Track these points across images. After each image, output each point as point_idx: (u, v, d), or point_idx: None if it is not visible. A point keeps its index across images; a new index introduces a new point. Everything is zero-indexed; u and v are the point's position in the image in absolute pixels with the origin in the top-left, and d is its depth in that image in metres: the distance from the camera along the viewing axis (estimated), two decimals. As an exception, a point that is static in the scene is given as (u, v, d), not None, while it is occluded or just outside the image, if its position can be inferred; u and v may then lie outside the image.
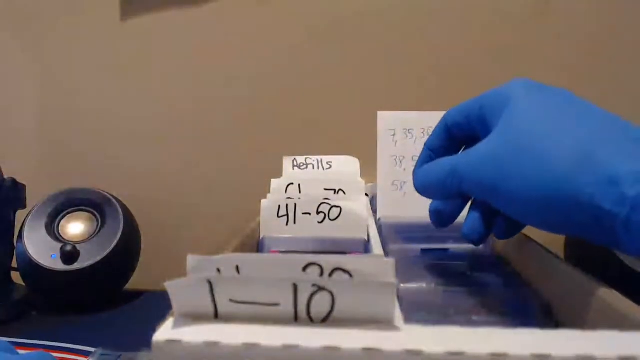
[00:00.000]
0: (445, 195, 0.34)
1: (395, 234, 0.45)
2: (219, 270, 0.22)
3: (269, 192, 0.51)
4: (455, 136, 0.36)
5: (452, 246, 0.42)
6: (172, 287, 0.21)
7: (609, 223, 0.25)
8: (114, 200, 0.68)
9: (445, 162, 0.33)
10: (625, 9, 0.71)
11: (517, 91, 0.31)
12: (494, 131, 0.30)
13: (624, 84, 0.72)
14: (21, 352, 0.39)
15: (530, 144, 0.28)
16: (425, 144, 0.37)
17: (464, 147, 0.36)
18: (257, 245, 0.46)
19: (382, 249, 0.39)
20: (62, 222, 0.67)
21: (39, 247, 0.63)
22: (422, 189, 0.36)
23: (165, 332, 0.20)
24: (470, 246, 0.41)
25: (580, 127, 0.28)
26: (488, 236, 0.35)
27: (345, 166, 0.55)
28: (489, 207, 0.32)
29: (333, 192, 0.49)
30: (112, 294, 0.68)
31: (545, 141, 0.28)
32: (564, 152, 0.27)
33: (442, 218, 0.37)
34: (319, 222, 0.43)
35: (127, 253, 0.68)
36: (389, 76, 0.75)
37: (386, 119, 0.51)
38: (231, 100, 0.81)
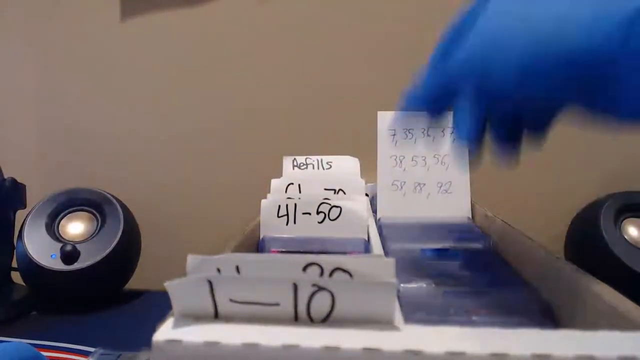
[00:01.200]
0: (441, 97, 0.31)
1: (395, 234, 0.45)
2: (219, 270, 0.22)
3: (269, 192, 0.51)
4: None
5: (452, 246, 0.42)
6: (172, 287, 0.21)
7: (610, 69, 0.23)
8: (114, 200, 0.68)
9: (436, 67, 0.30)
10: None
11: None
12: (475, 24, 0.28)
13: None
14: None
15: (516, 9, 0.27)
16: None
17: None
18: (257, 245, 0.46)
19: (382, 249, 0.39)
20: (62, 222, 0.67)
21: (39, 247, 0.63)
22: (415, 101, 0.32)
23: (165, 332, 0.20)
24: (471, 246, 0.41)
25: None
26: (480, 133, 0.31)
27: (345, 166, 0.55)
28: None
29: (333, 192, 0.49)
30: (112, 294, 0.68)
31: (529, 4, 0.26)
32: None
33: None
34: (319, 222, 0.43)
35: (127, 253, 0.68)
36: (389, 76, 0.75)
37: (386, 119, 0.51)
38: (231, 101, 0.81)
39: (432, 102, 0.31)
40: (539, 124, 0.29)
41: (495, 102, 0.28)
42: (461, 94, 0.29)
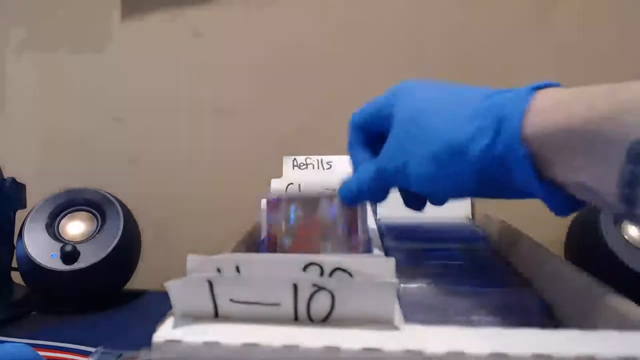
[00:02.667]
0: (378, 191, 0.36)
1: (395, 234, 0.45)
2: (219, 270, 0.22)
3: (268, 192, 0.51)
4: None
5: (452, 246, 0.42)
6: (172, 287, 0.21)
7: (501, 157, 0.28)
8: (114, 200, 0.68)
9: (369, 166, 0.35)
10: (625, 17, 0.72)
11: (404, 88, 0.35)
12: (392, 125, 0.34)
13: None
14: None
15: (415, 130, 0.31)
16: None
17: None
18: (257, 245, 0.46)
19: (382, 249, 0.39)
20: (62, 222, 0.67)
21: (39, 247, 0.63)
22: (356, 196, 0.37)
23: (165, 332, 0.20)
24: (471, 246, 0.41)
25: (455, 104, 0.31)
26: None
27: (346, 166, 0.55)
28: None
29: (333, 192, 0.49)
30: (112, 294, 0.68)
31: (429, 127, 0.31)
32: (445, 126, 0.30)
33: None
34: (319, 222, 0.43)
35: (127, 253, 0.68)
36: (389, 76, 0.75)
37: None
38: (231, 100, 0.81)
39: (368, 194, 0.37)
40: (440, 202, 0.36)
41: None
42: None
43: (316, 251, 0.38)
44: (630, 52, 0.72)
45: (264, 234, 0.46)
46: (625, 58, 0.72)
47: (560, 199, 0.27)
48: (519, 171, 0.27)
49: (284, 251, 0.39)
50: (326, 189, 0.43)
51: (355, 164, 0.38)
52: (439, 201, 0.35)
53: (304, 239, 0.39)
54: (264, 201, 0.48)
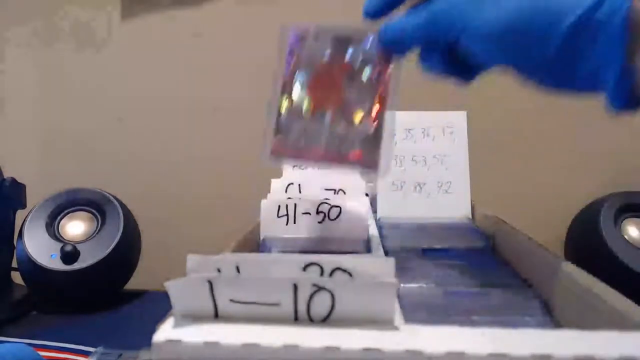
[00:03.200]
0: (421, 41, 0.33)
1: (395, 234, 0.45)
2: (219, 270, 0.22)
3: (269, 192, 0.51)
4: None
5: (452, 246, 0.42)
6: (172, 287, 0.21)
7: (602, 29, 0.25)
8: (114, 200, 0.68)
9: (420, 8, 0.32)
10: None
11: None
12: None
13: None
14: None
15: None
16: None
17: None
18: (257, 245, 0.46)
19: (382, 249, 0.39)
20: (62, 222, 0.67)
21: (39, 247, 0.63)
22: (394, 40, 0.34)
23: (165, 332, 0.20)
24: (471, 246, 0.41)
25: None
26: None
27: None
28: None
29: (333, 192, 0.49)
30: (112, 294, 0.68)
31: None
32: None
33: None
34: (319, 222, 0.43)
35: (127, 253, 0.68)
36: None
37: (386, 119, 0.51)
38: (231, 100, 0.81)
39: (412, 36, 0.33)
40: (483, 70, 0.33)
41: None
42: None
43: (334, 96, 0.35)
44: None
45: (263, 234, 0.46)
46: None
47: (629, 90, 0.26)
48: (610, 44, 0.25)
49: (299, 88, 0.36)
50: (326, 189, 0.42)
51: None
52: (486, 69, 0.31)
53: (325, 79, 0.36)
54: (264, 201, 0.48)
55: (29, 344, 0.43)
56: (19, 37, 0.85)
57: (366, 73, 0.35)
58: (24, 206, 0.68)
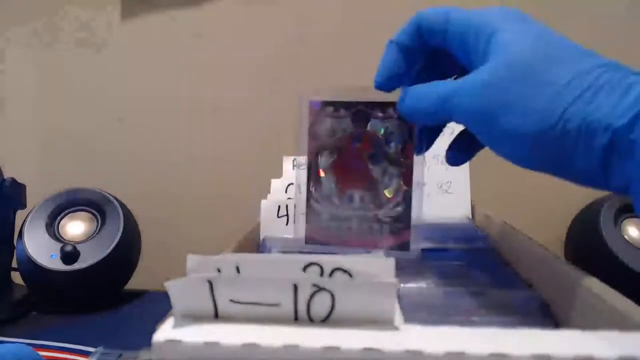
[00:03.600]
0: (434, 122, 0.33)
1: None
2: (219, 270, 0.22)
3: (269, 192, 0.51)
4: (426, 43, 0.34)
5: (452, 246, 0.42)
6: (172, 287, 0.21)
7: (622, 153, 0.25)
8: (114, 200, 0.68)
9: (439, 88, 0.31)
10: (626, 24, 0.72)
11: (503, 19, 0.30)
12: (489, 59, 0.29)
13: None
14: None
15: (531, 73, 0.27)
16: (392, 40, 0.35)
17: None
18: (257, 245, 0.46)
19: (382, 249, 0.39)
20: (62, 222, 0.67)
21: (39, 247, 0.63)
22: (411, 112, 0.33)
23: (165, 332, 0.20)
24: (471, 246, 0.41)
25: (574, 56, 0.27)
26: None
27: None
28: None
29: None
30: (112, 294, 0.68)
31: (545, 71, 0.27)
32: (573, 79, 0.26)
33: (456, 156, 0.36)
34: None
35: (127, 253, 0.68)
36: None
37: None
38: (231, 100, 0.81)
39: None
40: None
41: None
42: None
43: (360, 176, 0.35)
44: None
45: (263, 234, 0.46)
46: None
47: None
48: None
49: (325, 173, 0.36)
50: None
51: (391, 52, 0.34)
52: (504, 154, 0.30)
53: (350, 158, 0.36)
54: (264, 201, 0.48)
55: (29, 344, 0.42)
56: (19, 37, 0.85)
57: (391, 148, 0.35)
58: (24, 206, 0.68)
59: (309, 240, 0.36)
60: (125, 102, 0.83)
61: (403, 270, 0.35)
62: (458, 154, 0.36)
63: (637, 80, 0.25)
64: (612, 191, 0.27)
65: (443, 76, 0.34)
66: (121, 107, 0.84)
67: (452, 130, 0.35)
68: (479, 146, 0.34)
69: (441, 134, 0.37)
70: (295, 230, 0.37)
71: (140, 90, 0.83)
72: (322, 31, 0.78)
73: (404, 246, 0.34)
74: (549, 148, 0.27)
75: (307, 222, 0.37)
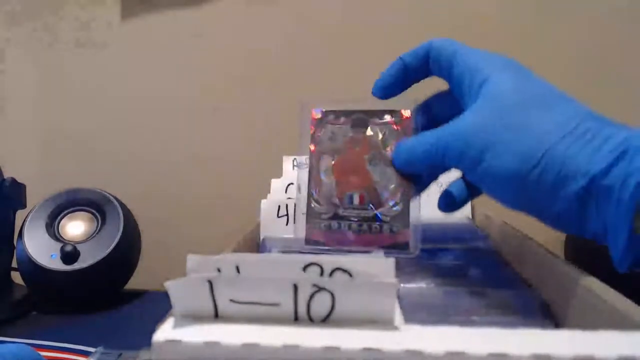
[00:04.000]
0: (430, 168, 0.34)
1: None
2: (219, 270, 0.22)
3: (269, 192, 0.51)
4: (430, 71, 0.36)
5: (452, 246, 0.42)
6: (172, 287, 0.21)
7: (603, 199, 0.25)
8: (114, 200, 0.68)
9: (428, 136, 0.33)
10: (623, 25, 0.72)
11: (499, 67, 0.31)
12: (477, 103, 0.30)
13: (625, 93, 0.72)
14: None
15: (519, 116, 0.28)
16: (402, 56, 0.37)
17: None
18: (257, 245, 0.46)
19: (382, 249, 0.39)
20: (62, 222, 0.67)
21: (39, 247, 0.63)
22: (408, 163, 0.35)
23: (165, 332, 0.20)
24: (471, 246, 0.41)
25: (558, 103, 0.29)
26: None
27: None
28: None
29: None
30: (112, 294, 0.68)
31: (533, 115, 0.28)
32: (554, 125, 0.27)
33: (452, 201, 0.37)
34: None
35: (127, 253, 0.68)
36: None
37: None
38: (232, 100, 0.81)
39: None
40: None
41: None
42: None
43: (360, 178, 0.36)
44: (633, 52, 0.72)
45: (263, 234, 0.46)
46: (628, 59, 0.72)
47: (635, 258, 0.26)
48: (617, 213, 0.25)
49: (326, 174, 0.37)
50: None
51: (397, 65, 0.36)
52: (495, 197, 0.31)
53: (349, 161, 0.37)
54: (264, 201, 0.48)
55: (29, 344, 0.42)
56: (19, 37, 0.85)
57: (389, 151, 0.36)
58: (24, 206, 0.68)
59: (309, 240, 0.37)
60: (125, 102, 0.83)
61: (403, 270, 0.35)
62: (451, 200, 0.37)
63: (616, 132, 0.26)
64: (588, 237, 0.28)
65: (439, 103, 0.37)
66: (121, 107, 0.84)
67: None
68: (469, 195, 0.36)
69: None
70: (295, 230, 0.37)
71: (140, 90, 0.83)
72: (322, 31, 0.78)
73: (403, 246, 0.35)
74: (529, 190, 0.28)
75: (307, 222, 0.37)
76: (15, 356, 0.39)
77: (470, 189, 0.36)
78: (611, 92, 0.69)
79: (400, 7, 0.76)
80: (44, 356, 0.42)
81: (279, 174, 0.54)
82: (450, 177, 0.37)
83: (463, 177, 0.37)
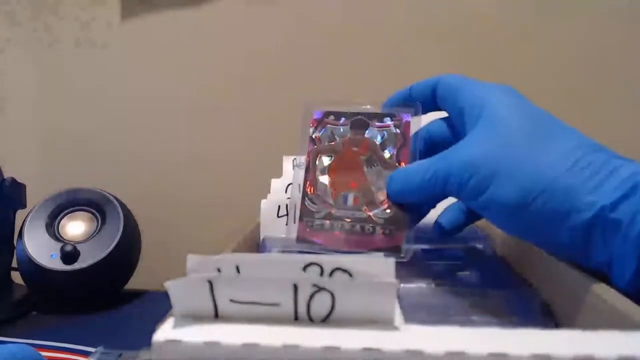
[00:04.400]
0: (428, 197, 0.34)
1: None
2: (219, 270, 0.22)
3: (269, 192, 0.51)
4: (435, 104, 0.36)
5: (452, 246, 0.42)
6: (172, 287, 0.21)
7: (607, 231, 0.26)
8: (114, 200, 0.68)
9: (426, 164, 0.32)
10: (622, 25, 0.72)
11: (496, 92, 0.31)
12: (478, 129, 0.30)
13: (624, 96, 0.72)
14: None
15: (524, 146, 0.28)
16: (412, 86, 0.37)
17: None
18: (257, 245, 0.46)
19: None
20: (62, 222, 0.67)
21: (39, 247, 0.63)
22: (401, 193, 0.34)
23: (165, 332, 0.20)
24: (470, 246, 0.41)
25: (561, 133, 0.29)
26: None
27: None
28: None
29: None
30: (112, 294, 0.68)
31: (537, 145, 0.28)
32: (559, 155, 0.27)
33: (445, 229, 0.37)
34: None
35: (127, 253, 0.68)
36: (392, 76, 0.75)
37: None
38: (232, 100, 0.81)
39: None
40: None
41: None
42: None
43: (355, 179, 0.36)
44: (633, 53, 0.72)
45: (263, 234, 0.46)
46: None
47: None
48: (624, 246, 0.25)
49: (322, 174, 0.37)
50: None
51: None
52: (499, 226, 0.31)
53: (346, 161, 0.37)
54: (264, 201, 0.48)
55: (29, 344, 0.43)
56: (19, 37, 0.85)
57: (386, 154, 0.36)
58: (24, 206, 0.68)
59: (299, 239, 0.37)
60: (125, 102, 0.83)
61: (403, 270, 0.35)
62: (442, 231, 0.37)
63: (622, 164, 0.27)
64: (592, 267, 0.28)
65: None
66: (121, 107, 0.84)
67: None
68: (467, 220, 0.36)
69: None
70: (288, 229, 0.38)
71: (140, 90, 0.83)
72: (322, 31, 0.78)
73: (395, 249, 0.35)
74: (533, 220, 0.28)
75: (300, 221, 0.37)
76: (16, 356, 0.39)
77: (470, 214, 0.36)
78: (611, 92, 0.69)
79: (400, 7, 0.76)
80: (44, 356, 0.42)
81: (279, 174, 0.54)
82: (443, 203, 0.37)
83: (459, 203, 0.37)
